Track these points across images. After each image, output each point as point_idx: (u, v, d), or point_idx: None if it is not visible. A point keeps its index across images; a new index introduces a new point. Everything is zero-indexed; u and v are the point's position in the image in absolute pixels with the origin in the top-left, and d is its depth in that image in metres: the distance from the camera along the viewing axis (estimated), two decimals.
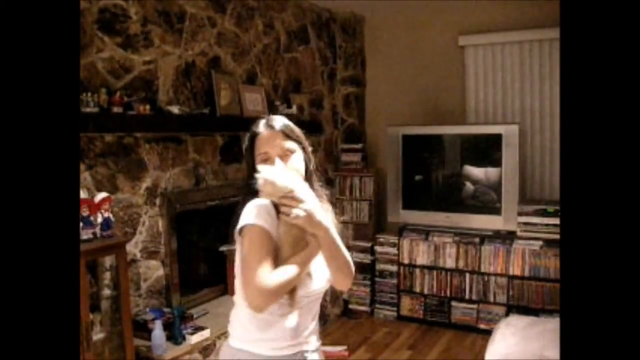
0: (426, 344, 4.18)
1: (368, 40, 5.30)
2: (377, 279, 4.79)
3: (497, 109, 4.68)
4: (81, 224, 2.56)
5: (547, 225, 4.11)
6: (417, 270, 4.58)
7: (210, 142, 3.66)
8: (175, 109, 3.21)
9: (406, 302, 4.65)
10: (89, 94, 2.69)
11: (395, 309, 4.70)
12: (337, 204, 4.99)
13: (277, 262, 1.50)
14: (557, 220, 4.07)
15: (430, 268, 4.53)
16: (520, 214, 4.20)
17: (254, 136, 1.66)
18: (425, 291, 4.55)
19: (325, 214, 1.58)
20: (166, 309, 3.20)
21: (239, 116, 3.72)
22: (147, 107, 3.01)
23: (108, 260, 2.89)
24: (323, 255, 1.56)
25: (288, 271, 1.48)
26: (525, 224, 4.19)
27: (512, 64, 4.59)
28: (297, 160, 1.65)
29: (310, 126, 4.65)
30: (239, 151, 3.91)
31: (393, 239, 4.69)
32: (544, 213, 4.16)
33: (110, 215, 2.75)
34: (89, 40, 2.80)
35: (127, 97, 2.93)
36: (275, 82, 4.35)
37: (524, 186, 4.53)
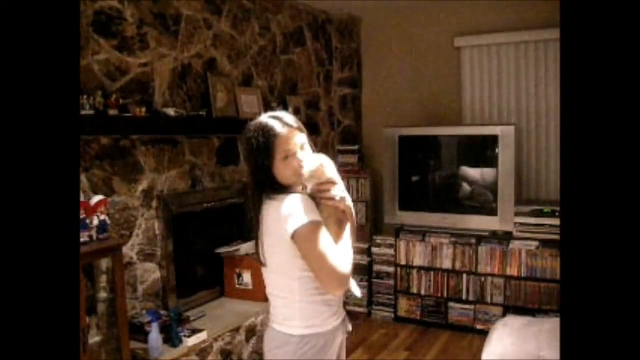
0: (423, 345, 4.18)
1: (364, 41, 5.30)
2: (374, 280, 4.79)
3: (493, 110, 4.69)
4: None
5: (543, 225, 4.12)
6: (414, 271, 4.58)
7: (207, 144, 3.66)
8: (171, 111, 3.20)
9: (403, 303, 4.65)
10: (85, 97, 2.68)
11: (392, 310, 4.70)
12: None
13: None
14: (553, 221, 4.08)
15: (427, 269, 4.53)
16: (516, 214, 4.20)
17: (274, 137, 1.69)
18: (422, 292, 4.56)
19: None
20: (163, 312, 3.19)
21: (235, 118, 3.72)
22: (143, 109, 3.00)
23: (104, 263, 2.88)
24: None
25: (349, 251, 1.71)
26: (522, 224, 4.20)
27: (508, 65, 4.60)
28: (310, 151, 1.78)
29: (306, 128, 4.65)
30: (235, 153, 3.91)
31: (390, 240, 4.69)
32: (540, 213, 4.17)
33: (106, 218, 2.74)
34: (84, 42, 2.79)
35: (122, 100, 2.93)
36: (271, 83, 4.35)
37: (520, 187, 4.54)
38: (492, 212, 4.29)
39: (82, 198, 2.68)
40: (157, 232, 3.27)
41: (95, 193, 2.81)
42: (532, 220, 4.17)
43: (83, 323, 2.54)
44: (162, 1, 3.27)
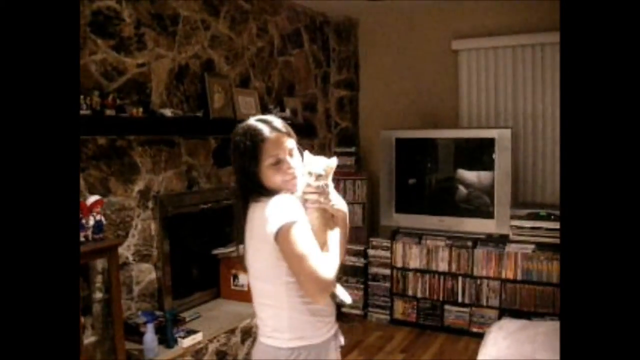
0: (419, 348, 4.18)
1: (362, 43, 5.31)
2: (370, 283, 4.79)
3: (490, 113, 4.70)
4: None
5: (539, 228, 4.12)
6: (410, 274, 4.58)
7: (203, 145, 3.66)
8: (168, 112, 3.20)
9: (399, 306, 4.65)
10: (82, 97, 2.68)
11: (388, 312, 4.70)
12: None
13: None
14: (549, 224, 4.08)
15: (423, 271, 4.53)
16: (512, 217, 4.21)
17: (262, 141, 1.63)
18: (418, 295, 4.56)
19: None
20: (158, 312, 3.19)
21: (232, 119, 3.72)
22: (140, 110, 3.00)
23: (100, 263, 2.88)
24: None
25: (336, 257, 1.64)
26: (518, 227, 4.20)
27: (505, 68, 4.61)
28: (298, 156, 1.72)
29: (303, 130, 4.66)
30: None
31: (386, 242, 4.69)
32: (536, 217, 4.18)
33: (103, 218, 2.74)
34: (82, 42, 2.79)
35: (120, 100, 2.93)
36: (268, 85, 4.35)
37: (517, 190, 4.54)
38: (489, 215, 4.30)
39: None
40: (153, 232, 3.26)
41: (92, 193, 2.80)
42: (529, 223, 4.17)
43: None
44: (160, 2, 3.27)
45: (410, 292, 4.59)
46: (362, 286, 4.82)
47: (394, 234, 4.67)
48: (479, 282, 4.31)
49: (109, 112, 2.80)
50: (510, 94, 4.60)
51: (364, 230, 4.95)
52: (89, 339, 2.84)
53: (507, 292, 4.20)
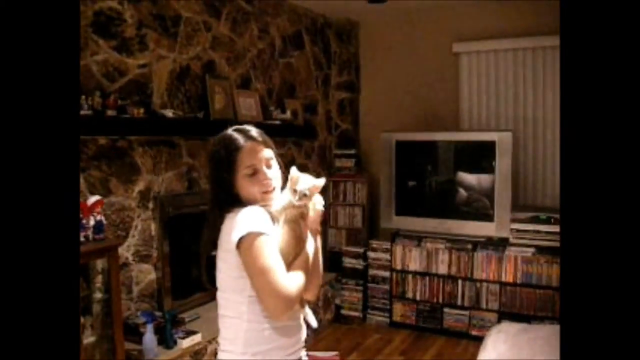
0: (418, 350, 4.18)
1: (363, 46, 5.31)
2: (369, 285, 4.79)
3: (491, 116, 4.70)
4: None
5: (539, 232, 4.12)
6: (410, 276, 4.58)
7: (204, 146, 3.65)
8: (169, 113, 3.20)
9: (398, 308, 4.65)
10: (83, 97, 2.68)
11: (387, 314, 4.70)
12: (330, 209, 5.00)
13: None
14: (549, 228, 4.08)
15: (422, 274, 4.53)
16: (512, 220, 4.21)
17: (236, 150, 1.58)
18: (418, 297, 4.55)
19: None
20: (158, 313, 3.18)
21: (232, 121, 3.72)
22: (141, 110, 3.00)
23: (100, 264, 2.88)
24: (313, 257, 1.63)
25: (301, 274, 1.54)
26: (518, 230, 4.20)
27: (506, 71, 4.61)
28: (277, 167, 1.66)
29: (304, 131, 4.67)
30: None
31: (386, 244, 4.69)
32: (536, 220, 4.17)
33: (103, 219, 2.74)
34: (83, 43, 2.79)
35: (121, 101, 2.93)
36: (269, 86, 4.35)
37: (517, 193, 4.54)
38: (489, 218, 4.30)
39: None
40: (153, 233, 3.26)
41: (92, 193, 2.80)
42: (529, 226, 4.18)
43: None
44: (162, 3, 3.28)
45: (409, 295, 4.59)
46: (361, 288, 4.81)
47: (394, 236, 4.67)
48: (478, 285, 4.31)
49: (110, 112, 2.81)
50: (511, 97, 4.60)
51: (363, 233, 4.95)
52: (88, 339, 2.84)
53: (506, 295, 4.20)
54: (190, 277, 3.76)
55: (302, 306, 1.65)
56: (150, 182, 3.23)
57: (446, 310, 4.45)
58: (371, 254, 4.78)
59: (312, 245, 1.63)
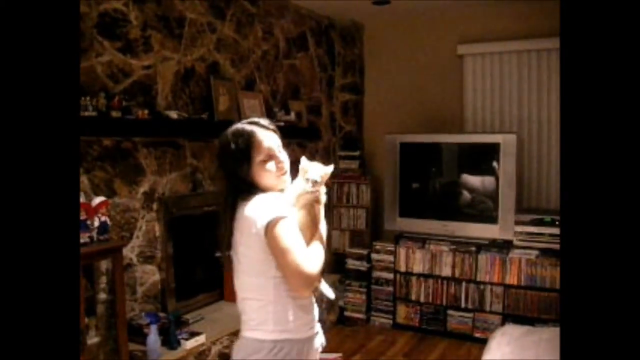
0: (422, 352, 4.17)
1: (367, 48, 5.32)
2: (373, 287, 4.78)
3: (495, 118, 4.70)
4: None
5: (543, 234, 4.11)
6: (414, 278, 4.58)
7: (208, 147, 3.66)
8: (173, 114, 3.21)
9: (402, 310, 4.64)
10: (88, 98, 2.69)
11: (391, 316, 4.69)
12: (334, 210, 5.00)
13: None
14: (553, 230, 4.07)
15: (426, 276, 4.53)
16: (516, 223, 4.20)
17: (253, 138, 1.72)
18: (421, 299, 4.55)
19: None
20: (162, 314, 3.19)
21: (237, 122, 3.72)
22: (146, 111, 3.01)
23: (104, 264, 2.88)
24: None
25: (321, 252, 1.72)
26: (522, 233, 4.20)
27: (510, 73, 4.61)
28: (285, 152, 1.81)
29: (308, 133, 4.67)
30: None
31: (390, 246, 4.69)
32: (540, 222, 4.17)
33: (107, 219, 2.74)
34: (88, 44, 2.81)
35: (125, 102, 2.94)
36: (273, 88, 4.36)
37: (521, 195, 4.54)
38: (493, 220, 4.29)
39: (83, 199, 2.68)
40: (157, 234, 3.27)
41: (97, 194, 2.81)
42: (533, 229, 4.17)
43: (82, 324, 2.54)
44: (167, 4, 3.28)
45: (413, 297, 4.58)
46: (365, 290, 4.81)
47: (398, 238, 4.67)
48: (482, 287, 4.30)
49: (115, 113, 2.82)
50: (516, 99, 4.60)
51: (367, 234, 4.95)
52: (92, 339, 2.84)
53: (510, 297, 4.19)
54: (194, 278, 3.78)
55: (319, 284, 1.79)
56: (154, 183, 3.24)
57: (450, 312, 4.44)
58: (375, 256, 4.77)
59: (324, 226, 1.82)
